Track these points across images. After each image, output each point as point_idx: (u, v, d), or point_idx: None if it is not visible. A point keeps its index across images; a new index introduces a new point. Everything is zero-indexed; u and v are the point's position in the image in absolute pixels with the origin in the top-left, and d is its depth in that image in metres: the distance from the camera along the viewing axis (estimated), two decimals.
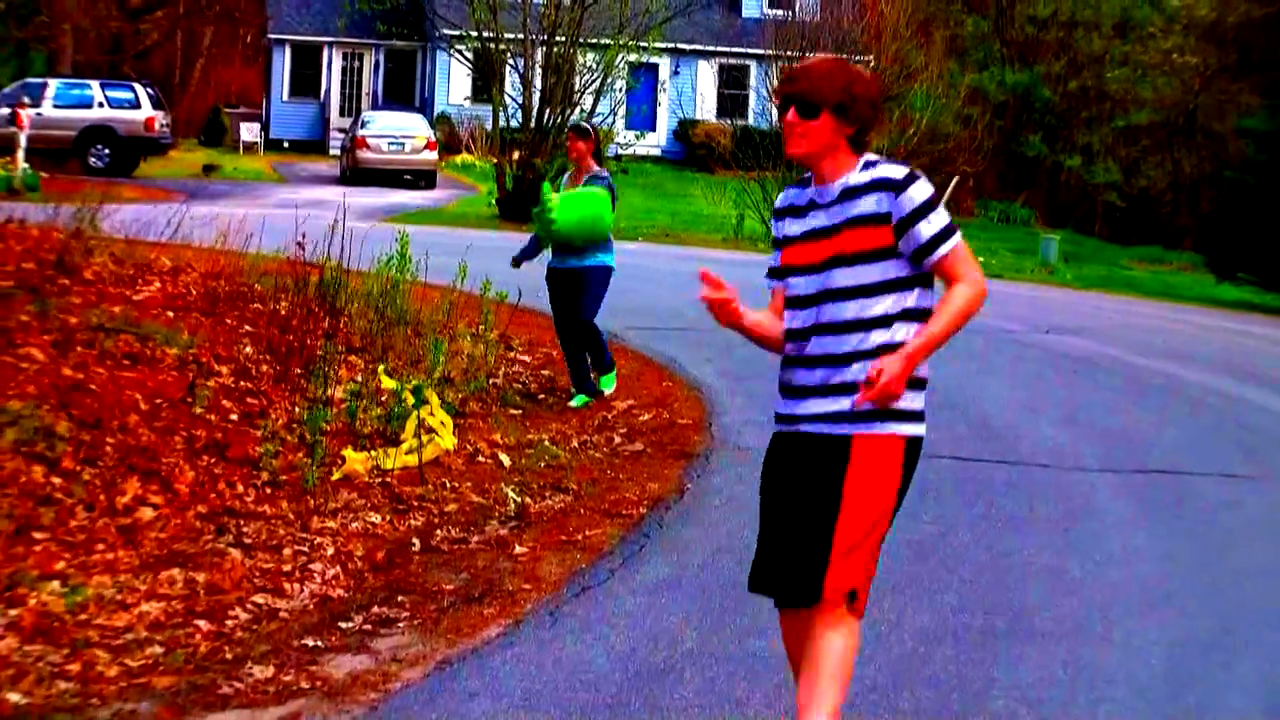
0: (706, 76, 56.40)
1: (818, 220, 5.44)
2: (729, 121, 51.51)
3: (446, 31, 41.80)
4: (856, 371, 5.30)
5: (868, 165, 5.42)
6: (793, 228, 5.54)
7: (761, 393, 12.58)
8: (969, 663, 7.23)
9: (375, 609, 7.58)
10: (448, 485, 10.00)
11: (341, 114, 56.43)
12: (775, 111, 6.17)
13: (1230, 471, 11.96)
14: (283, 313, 12.81)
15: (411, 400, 10.53)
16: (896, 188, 5.31)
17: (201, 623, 7.10)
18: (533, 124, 35.07)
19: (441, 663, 6.88)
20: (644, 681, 6.77)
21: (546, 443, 11.40)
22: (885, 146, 33.81)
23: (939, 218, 5.33)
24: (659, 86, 51.99)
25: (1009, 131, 54.76)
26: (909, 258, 5.34)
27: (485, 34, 35.59)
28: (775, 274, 5.62)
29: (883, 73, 36.47)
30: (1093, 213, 57.19)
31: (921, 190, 5.33)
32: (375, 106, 53.56)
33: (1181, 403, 15.28)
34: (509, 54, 36.21)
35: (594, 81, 35.47)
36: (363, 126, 46.19)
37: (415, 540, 8.78)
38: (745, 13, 57.00)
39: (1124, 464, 11.95)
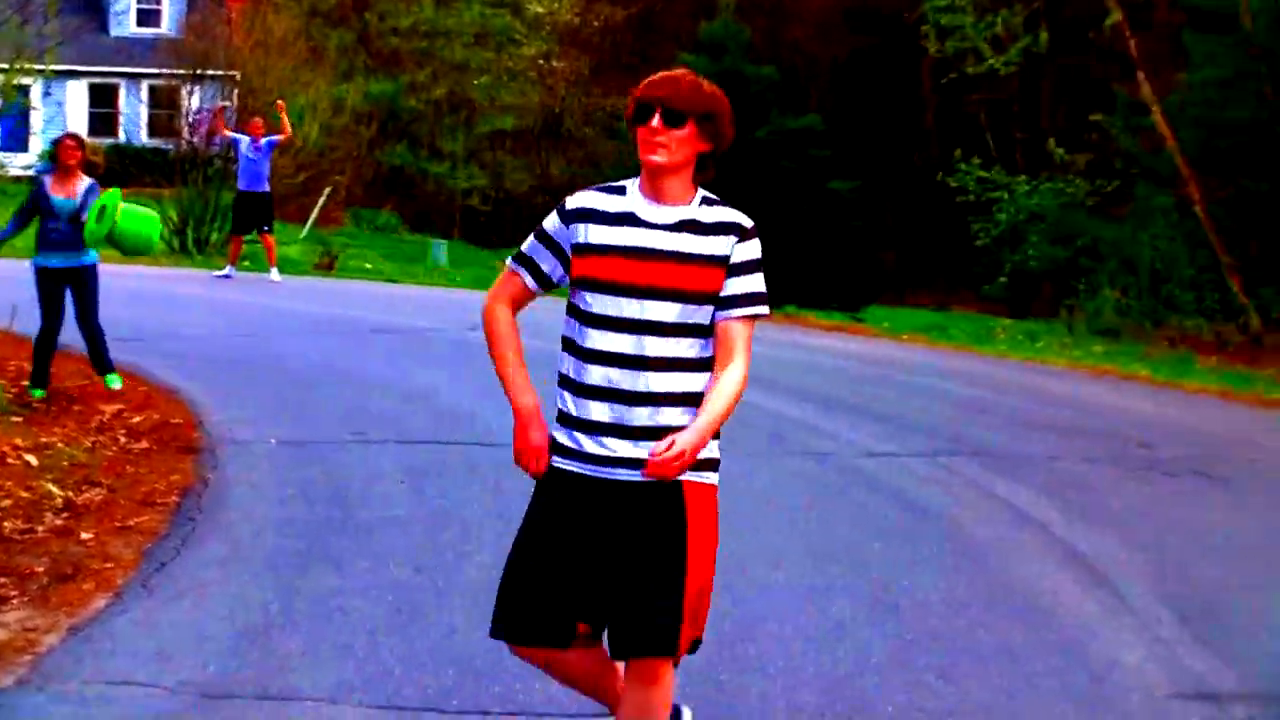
0: (77, 96, 56.04)
1: (642, 239, 5.16)
2: (101, 140, 51.51)
3: None
4: (670, 415, 5.18)
5: (708, 201, 5.27)
6: (600, 236, 5.18)
7: (237, 391, 13.88)
8: None
9: None
10: None
11: None
12: (629, 117, 5.70)
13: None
14: None
15: None
16: (744, 234, 5.21)
17: None
18: None
19: (71, 629, 7.72)
20: (256, 635, 7.80)
21: (60, 445, 12.09)
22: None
23: (760, 281, 5.25)
24: (30, 107, 51.29)
25: (375, 141, 56.07)
26: (716, 304, 5.21)
27: None
28: (542, 280, 5.34)
29: (271, 91, 37.31)
30: (454, 217, 58.99)
31: (758, 247, 5.26)
32: None
33: None
34: None
35: None
36: None
37: None
38: (114, 31, 56.74)
39: None
